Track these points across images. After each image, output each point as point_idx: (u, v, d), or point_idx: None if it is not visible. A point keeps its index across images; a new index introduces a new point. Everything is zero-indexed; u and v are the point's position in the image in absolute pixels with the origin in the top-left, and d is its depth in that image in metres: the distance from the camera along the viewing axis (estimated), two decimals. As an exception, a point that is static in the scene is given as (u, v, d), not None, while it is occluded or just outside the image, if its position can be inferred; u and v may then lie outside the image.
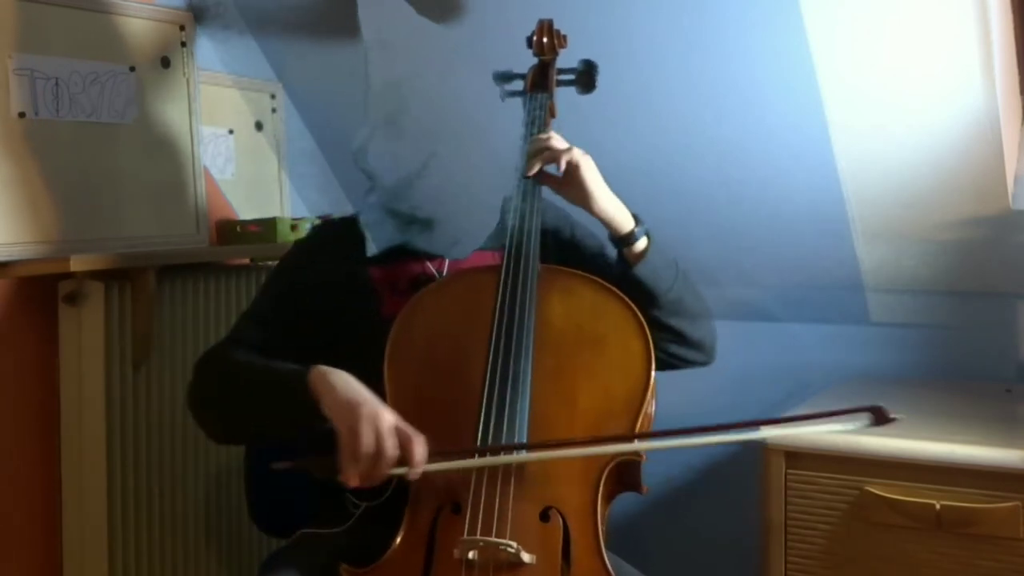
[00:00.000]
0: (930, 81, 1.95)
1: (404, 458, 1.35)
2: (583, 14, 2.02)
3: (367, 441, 1.33)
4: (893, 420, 1.37)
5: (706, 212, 2.31)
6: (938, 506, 1.77)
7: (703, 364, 1.67)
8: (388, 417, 1.36)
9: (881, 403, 1.39)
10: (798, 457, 1.89)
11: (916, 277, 2.27)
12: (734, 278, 2.42)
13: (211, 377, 1.57)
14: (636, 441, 1.46)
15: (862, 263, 2.29)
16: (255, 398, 1.50)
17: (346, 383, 1.41)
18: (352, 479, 1.35)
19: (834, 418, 1.41)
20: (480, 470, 1.40)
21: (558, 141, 1.59)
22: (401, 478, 1.43)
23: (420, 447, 1.35)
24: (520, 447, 1.42)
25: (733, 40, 2.01)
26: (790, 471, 1.90)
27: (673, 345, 1.60)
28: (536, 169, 1.59)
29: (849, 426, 1.40)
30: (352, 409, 1.36)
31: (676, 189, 2.28)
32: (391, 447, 1.34)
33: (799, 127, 2.07)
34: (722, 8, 1.97)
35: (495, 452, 1.41)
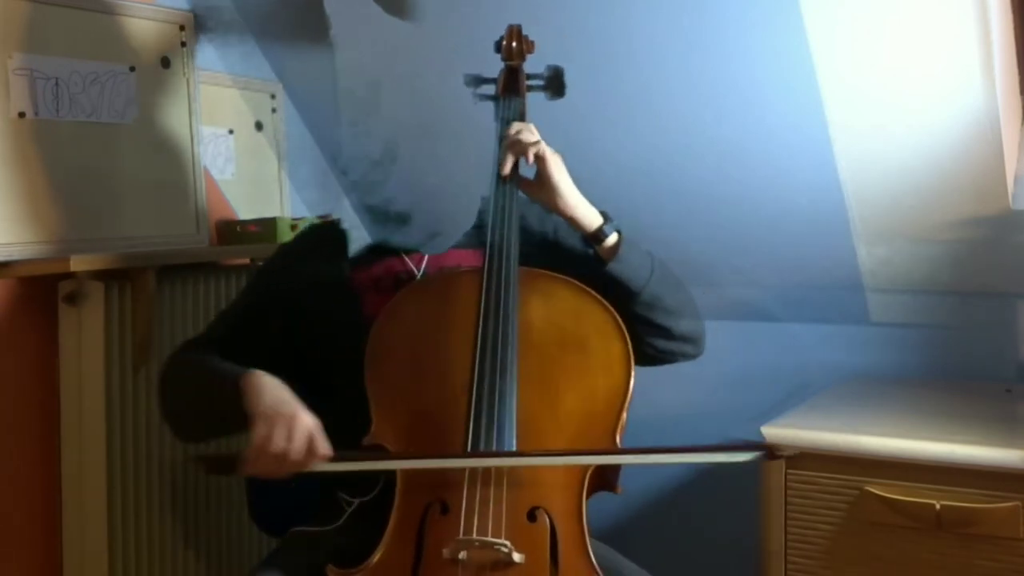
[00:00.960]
0: (930, 81, 1.95)
1: (303, 466, 1.38)
2: (583, 14, 2.02)
3: (278, 440, 1.36)
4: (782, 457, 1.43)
5: (706, 212, 2.30)
6: (938, 506, 1.77)
7: (692, 357, 1.67)
8: (305, 421, 1.38)
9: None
10: (798, 457, 1.89)
11: (916, 277, 2.27)
12: (734, 278, 2.42)
13: (167, 376, 1.63)
14: (621, 455, 1.50)
15: (862, 263, 2.29)
16: (196, 398, 1.55)
17: (273, 387, 1.43)
18: (252, 467, 1.38)
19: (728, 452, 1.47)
20: (471, 473, 1.41)
21: (528, 134, 1.61)
22: (392, 476, 1.44)
23: (321, 460, 1.38)
24: (507, 454, 1.42)
25: (733, 40, 2.01)
26: (790, 471, 1.89)
27: (660, 340, 1.61)
28: (509, 165, 1.61)
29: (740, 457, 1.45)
30: (272, 407, 1.39)
31: (676, 189, 2.28)
32: (297, 451, 1.37)
33: (799, 127, 2.07)
34: (722, 8, 1.97)
35: (486, 457, 1.42)
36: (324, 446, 1.38)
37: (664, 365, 1.65)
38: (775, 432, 1.91)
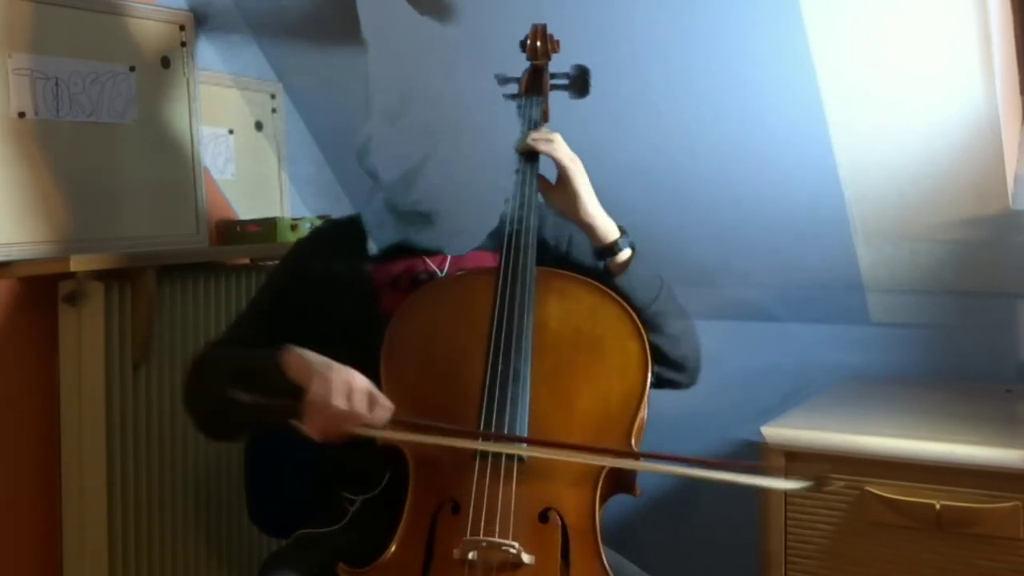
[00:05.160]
0: (930, 81, 1.95)
1: (368, 418, 1.38)
2: (583, 14, 2.02)
3: (338, 394, 1.37)
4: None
5: (706, 212, 2.30)
6: (938, 506, 1.77)
7: (684, 386, 1.65)
8: (361, 378, 1.40)
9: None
10: (798, 457, 1.89)
11: (916, 277, 2.27)
12: (734, 278, 2.42)
13: (197, 375, 1.61)
14: (641, 460, 1.48)
15: (862, 263, 2.29)
16: (236, 387, 1.51)
17: (319, 356, 1.44)
18: (315, 429, 1.38)
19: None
20: (481, 471, 1.40)
21: (552, 143, 1.60)
22: (397, 474, 1.44)
23: (385, 412, 1.39)
24: (522, 440, 1.42)
25: (733, 40, 2.01)
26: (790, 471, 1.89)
27: (654, 363, 1.58)
28: (531, 144, 1.60)
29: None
30: (326, 367, 1.40)
31: (676, 189, 2.28)
32: (359, 403, 1.38)
33: (799, 127, 2.07)
34: (722, 8, 1.97)
35: (500, 440, 1.41)
36: (385, 401, 1.39)
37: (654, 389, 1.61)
38: (775, 432, 1.91)
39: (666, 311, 1.59)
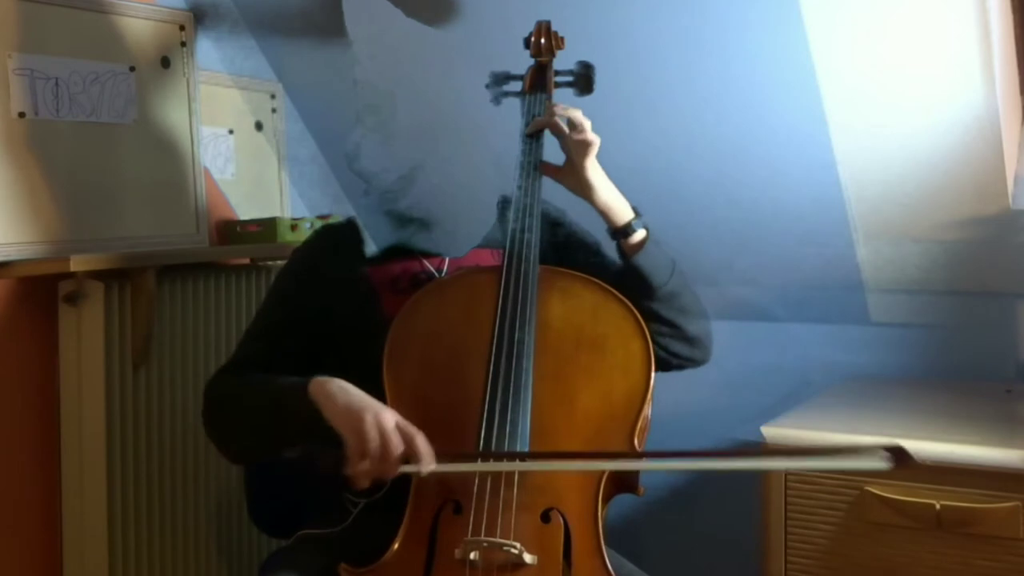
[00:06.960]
0: (930, 81, 1.95)
1: (409, 454, 1.36)
2: (583, 14, 2.02)
3: (372, 441, 1.35)
4: (910, 460, 1.28)
5: (706, 212, 2.30)
6: (938, 506, 1.77)
7: (699, 362, 1.66)
8: (390, 416, 1.38)
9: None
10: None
11: (916, 277, 2.28)
12: (734, 278, 2.42)
13: (217, 403, 1.59)
14: (644, 460, 1.48)
15: (862, 263, 2.29)
16: (259, 419, 1.51)
17: (344, 390, 1.43)
18: (361, 479, 1.36)
19: (845, 456, 1.39)
20: (484, 471, 1.40)
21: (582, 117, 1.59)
22: (399, 475, 1.44)
23: (423, 443, 1.37)
24: (526, 455, 1.42)
25: (733, 40, 2.01)
26: (790, 471, 1.90)
27: (671, 340, 1.60)
28: (544, 124, 1.60)
29: (860, 464, 1.35)
30: (354, 412, 1.38)
31: (676, 189, 2.28)
32: (396, 444, 1.36)
33: (799, 127, 2.07)
34: (722, 8, 1.97)
35: (499, 458, 1.41)
36: (417, 433, 1.37)
37: (671, 371, 1.63)
38: (775, 432, 1.91)
39: (680, 289, 1.60)
